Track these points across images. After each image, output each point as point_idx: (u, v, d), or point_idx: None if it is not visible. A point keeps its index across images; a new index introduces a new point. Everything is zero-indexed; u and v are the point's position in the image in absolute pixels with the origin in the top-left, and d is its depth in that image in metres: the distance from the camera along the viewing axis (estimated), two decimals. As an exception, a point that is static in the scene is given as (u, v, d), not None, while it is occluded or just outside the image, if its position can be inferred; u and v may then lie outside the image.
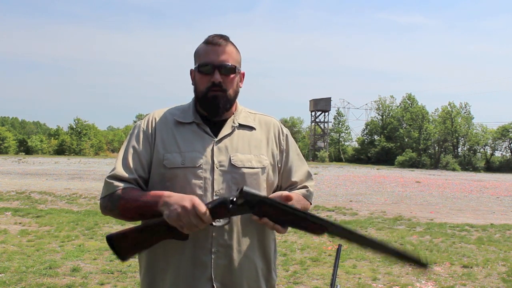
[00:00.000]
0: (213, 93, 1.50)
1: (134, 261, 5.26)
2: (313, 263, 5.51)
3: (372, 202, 12.77)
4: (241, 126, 1.58)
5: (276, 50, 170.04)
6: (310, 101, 63.02)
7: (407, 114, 56.24)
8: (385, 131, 61.21)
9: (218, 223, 1.39)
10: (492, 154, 52.19)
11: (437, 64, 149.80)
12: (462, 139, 53.38)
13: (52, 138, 61.30)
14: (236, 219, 1.47)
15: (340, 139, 66.98)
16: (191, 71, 1.58)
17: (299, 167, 1.65)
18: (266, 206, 1.32)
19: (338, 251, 1.53)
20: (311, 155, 59.30)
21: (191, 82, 1.59)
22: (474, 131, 53.02)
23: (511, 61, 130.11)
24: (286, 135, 1.67)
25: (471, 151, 52.54)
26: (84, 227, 7.37)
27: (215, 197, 1.45)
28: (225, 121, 1.57)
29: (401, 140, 57.29)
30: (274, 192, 1.56)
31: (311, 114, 63.53)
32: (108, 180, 1.47)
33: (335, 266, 1.48)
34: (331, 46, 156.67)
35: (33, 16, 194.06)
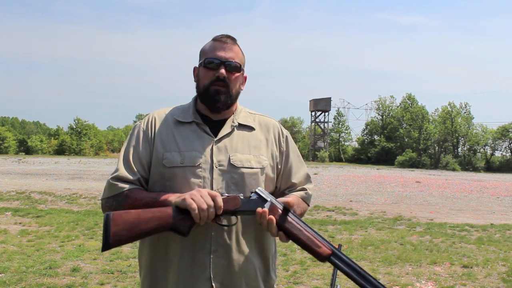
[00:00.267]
0: (216, 87, 1.51)
1: (134, 261, 5.26)
2: (313, 263, 5.51)
3: (372, 202, 12.77)
4: (241, 126, 1.58)
5: (276, 50, 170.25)
6: (310, 101, 63.02)
7: (407, 114, 56.23)
8: (385, 131, 61.20)
9: (224, 222, 1.41)
10: (492, 154, 52.18)
11: (437, 64, 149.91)
12: (462, 139, 53.37)
13: (52, 138, 61.29)
14: (236, 219, 1.48)
15: (340, 139, 66.96)
16: (195, 68, 1.59)
17: (299, 169, 1.65)
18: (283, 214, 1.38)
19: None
20: (311, 155, 59.30)
21: (193, 79, 1.60)
22: (474, 131, 53.01)
23: (511, 61, 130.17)
24: (286, 136, 1.67)
25: (471, 151, 52.53)
26: (84, 227, 7.37)
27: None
28: (224, 120, 1.57)
29: (401, 140, 57.27)
30: (272, 193, 1.56)
31: (311, 114, 63.56)
32: (112, 181, 1.47)
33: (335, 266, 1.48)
34: (331, 46, 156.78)
35: (33, 16, 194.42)
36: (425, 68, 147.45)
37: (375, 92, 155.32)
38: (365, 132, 65.08)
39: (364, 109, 72.18)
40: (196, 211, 1.32)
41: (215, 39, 1.55)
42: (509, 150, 52.03)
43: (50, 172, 21.84)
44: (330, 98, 61.01)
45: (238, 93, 1.57)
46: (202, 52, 1.56)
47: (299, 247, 1.38)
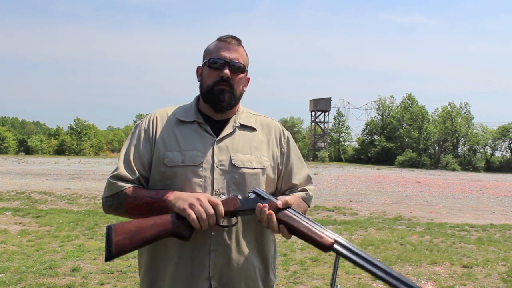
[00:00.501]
0: (220, 87, 1.50)
1: (134, 261, 5.26)
2: (313, 263, 5.51)
3: (372, 202, 12.77)
4: (242, 127, 1.59)
5: (276, 50, 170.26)
6: (310, 101, 63.02)
7: (407, 114, 56.24)
8: (385, 131, 61.20)
9: (224, 223, 1.41)
10: (492, 154, 52.19)
11: (437, 64, 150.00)
12: (462, 139, 53.38)
13: (52, 138, 61.30)
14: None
15: (340, 139, 66.96)
16: (198, 67, 1.60)
17: (300, 170, 1.65)
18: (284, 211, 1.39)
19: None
20: (311, 155, 59.30)
21: (197, 79, 1.60)
22: (474, 131, 53.03)
23: (511, 61, 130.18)
24: (288, 137, 1.67)
25: (471, 151, 52.54)
26: (84, 227, 7.37)
27: (215, 196, 1.46)
28: (226, 121, 1.57)
29: (401, 140, 57.28)
30: (273, 194, 1.56)
31: (311, 114, 63.57)
32: (112, 180, 1.47)
33: (335, 266, 1.48)
34: (331, 46, 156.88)
35: (33, 16, 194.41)
36: (425, 68, 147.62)
37: (375, 92, 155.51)
38: (365, 132, 65.11)
39: (364, 109, 72.29)
40: (196, 222, 1.32)
41: (220, 39, 1.55)
42: (509, 150, 52.06)
43: (50, 172, 21.84)
44: (330, 98, 61.04)
45: (241, 94, 1.57)
46: (207, 52, 1.56)
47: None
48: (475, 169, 46.47)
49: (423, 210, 11.22)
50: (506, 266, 5.66)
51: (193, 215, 1.32)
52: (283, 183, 1.63)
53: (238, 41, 1.56)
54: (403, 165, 48.53)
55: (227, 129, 1.55)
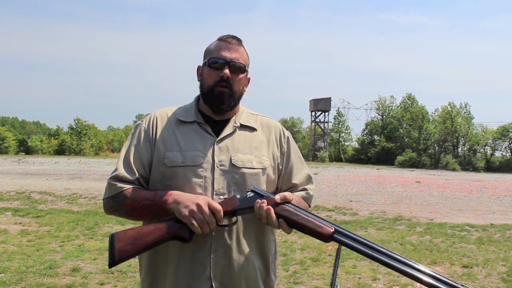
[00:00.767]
0: (220, 89, 1.50)
1: (134, 261, 5.26)
2: (313, 263, 5.51)
3: (372, 202, 12.77)
4: (243, 127, 1.58)
5: (276, 50, 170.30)
6: (310, 101, 63.01)
7: (407, 114, 56.23)
8: (385, 131, 61.20)
9: (224, 222, 1.42)
10: (492, 154, 52.19)
11: (437, 64, 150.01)
12: (462, 139, 53.37)
13: (52, 138, 61.30)
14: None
15: (340, 139, 66.95)
16: (199, 67, 1.59)
17: (300, 170, 1.65)
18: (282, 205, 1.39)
19: (338, 251, 1.52)
20: (311, 155, 59.29)
21: (197, 78, 1.60)
22: (474, 131, 53.02)
23: (511, 61, 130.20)
24: (288, 137, 1.67)
25: (471, 151, 52.53)
26: (84, 227, 7.37)
27: (214, 197, 1.46)
28: (226, 121, 1.57)
29: (401, 140, 57.27)
30: (273, 194, 1.56)
31: (311, 114, 63.56)
32: (111, 181, 1.47)
33: (335, 266, 1.48)
34: (331, 46, 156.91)
35: (33, 16, 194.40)
36: (425, 68, 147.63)
37: (375, 92, 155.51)
38: (365, 132, 65.10)
39: (364, 109, 72.28)
40: (199, 229, 1.34)
41: (220, 39, 1.54)
42: (509, 150, 52.05)
43: (50, 172, 21.83)
44: (330, 98, 61.03)
45: (241, 94, 1.57)
46: (207, 52, 1.56)
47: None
48: (475, 169, 46.47)
49: (423, 210, 11.22)
50: (506, 266, 5.66)
51: (196, 224, 1.33)
52: (283, 183, 1.63)
53: (239, 41, 1.55)
54: (403, 165, 48.53)
55: (227, 129, 1.55)
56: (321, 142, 61.02)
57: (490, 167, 48.58)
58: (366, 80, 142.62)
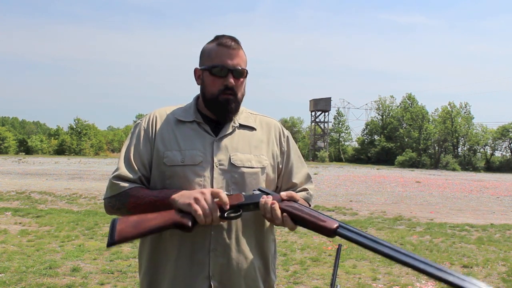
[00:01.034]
0: (226, 97, 1.50)
1: (134, 261, 5.26)
2: (313, 263, 5.51)
3: (372, 202, 12.77)
4: (242, 126, 1.58)
5: (277, 50, 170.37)
6: (310, 101, 63.02)
7: (407, 114, 56.25)
8: (385, 131, 61.21)
9: (228, 216, 1.40)
10: (492, 154, 52.21)
11: (437, 64, 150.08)
12: (462, 139, 53.39)
13: (52, 138, 61.31)
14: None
15: (340, 139, 66.96)
16: (196, 70, 1.57)
17: (300, 169, 1.65)
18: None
19: (338, 251, 1.53)
20: (311, 155, 59.29)
21: (195, 81, 1.58)
22: (474, 131, 53.04)
23: (511, 61, 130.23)
24: (287, 136, 1.67)
25: (471, 151, 52.55)
26: (84, 227, 7.37)
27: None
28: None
29: (401, 140, 57.29)
30: None
31: (311, 114, 63.56)
32: (114, 181, 1.47)
33: (335, 266, 1.48)
34: (331, 46, 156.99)
35: (33, 16, 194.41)
36: (425, 68, 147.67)
37: (375, 92, 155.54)
38: (365, 132, 65.13)
39: (364, 109, 72.30)
40: (202, 217, 1.32)
41: (220, 44, 1.50)
42: (509, 150, 52.06)
43: (50, 172, 21.84)
44: (330, 98, 61.03)
45: (243, 96, 1.57)
46: (206, 56, 1.53)
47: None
48: (475, 169, 46.48)
49: (423, 210, 11.22)
50: (506, 266, 5.66)
51: (199, 210, 1.32)
52: (283, 182, 1.63)
53: (238, 43, 1.53)
54: (403, 165, 48.54)
55: (227, 129, 1.55)
56: (321, 142, 61.03)
57: (490, 167, 48.59)
58: (366, 80, 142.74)
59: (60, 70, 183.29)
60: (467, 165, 47.86)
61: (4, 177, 18.32)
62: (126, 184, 1.45)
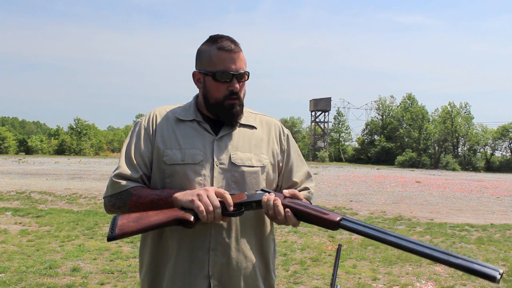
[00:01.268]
0: (231, 102, 1.50)
1: (134, 261, 5.26)
2: (313, 263, 5.51)
3: (372, 202, 12.77)
4: (242, 125, 1.59)
5: (277, 50, 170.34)
6: (310, 101, 63.02)
7: (407, 114, 56.23)
8: (385, 131, 61.22)
9: (230, 213, 1.40)
10: (492, 154, 52.19)
11: (437, 64, 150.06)
12: (462, 139, 53.37)
13: (52, 138, 61.30)
14: (235, 218, 1.48)
15: (340, 139, 66.96)
16: (195, 73, 1.55)
17: (300, 168, 1.65)
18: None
19: (338, 251, 1.53)
20: (311, 155, 59.30)
21: (195, 84, 1.57)
22: (474, 131, 53.01)
23: (511, 61, 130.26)
24: (287, 135, 1.68)
25: (471, 151, 52.52)
26: (84, 227, 7.37)
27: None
28: None
29: (401, 140, 57.28)
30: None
31: (311, 114, 63.57)
32: (115, 179, 1.47)
33: (335, 266, 1.48)
34: (331, 46, 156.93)
35: (33, 16, 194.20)
36: (425, 68, 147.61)
37: (375, 92, 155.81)
38: (365, 132, 65.12)
39: (364, 109, 72.29)
40: (204, 214, 1.33)
41: (221, 48, 1.48)
42: (509, 150, 52.06)
43: (50, 172, 21.84)
44: (330, 98, 61.04)
45: (244, 97, 1.58)
46: (207, 60, 1.50)
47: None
48: (475, 169, 46.47)
49: (423, 210, 11.22)
50: (506, 266, 5.66)
51: (202, 207, 1.32)
52: (283, 181, 1.63)
53: (237, 45, 1.51)
54: (403, 165, 48.54)
55: (227, 128, 1.55)
56: (321, 142, 61.03)
57: (490, 167, 48.58)
58: (366, 80, 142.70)
59: (60, 70, 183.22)
60: (467, 165, 47.85)
61: (4, 177, 18.32)
62: (128, 183, 1.45)
